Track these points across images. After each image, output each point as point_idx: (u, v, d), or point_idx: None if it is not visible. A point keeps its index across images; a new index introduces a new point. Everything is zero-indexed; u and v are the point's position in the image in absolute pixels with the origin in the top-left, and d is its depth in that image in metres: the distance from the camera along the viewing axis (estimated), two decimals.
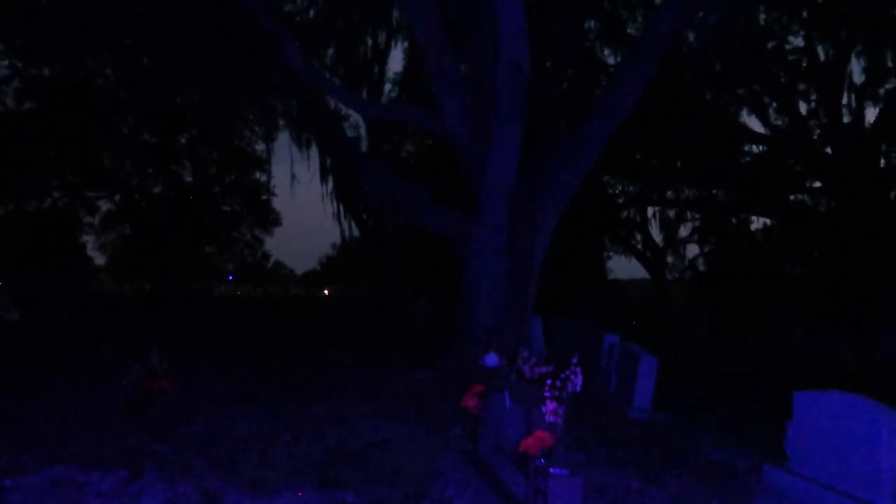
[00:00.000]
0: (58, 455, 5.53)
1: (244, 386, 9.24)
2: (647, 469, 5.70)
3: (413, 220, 11.89)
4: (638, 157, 23.11)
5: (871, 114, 40.75)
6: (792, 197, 22.92)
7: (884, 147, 19.42)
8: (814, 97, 20.15)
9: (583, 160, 10.75)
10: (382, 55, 20.46)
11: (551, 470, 4.05)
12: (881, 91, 19.04)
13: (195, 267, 43.22)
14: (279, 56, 10.79)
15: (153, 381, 7.35)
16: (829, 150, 20.06)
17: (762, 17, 17.73)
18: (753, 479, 5.54)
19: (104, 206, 33.99)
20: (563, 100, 14.13)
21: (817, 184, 21.50)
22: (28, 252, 33.23)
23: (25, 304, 19.83)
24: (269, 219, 38.61)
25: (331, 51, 15.65)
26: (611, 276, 35.36)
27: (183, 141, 31.84)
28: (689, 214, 28.13)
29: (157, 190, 32.76)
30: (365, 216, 25.35)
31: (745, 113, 21.39)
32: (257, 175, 34.68)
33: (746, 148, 22.30)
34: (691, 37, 14.17)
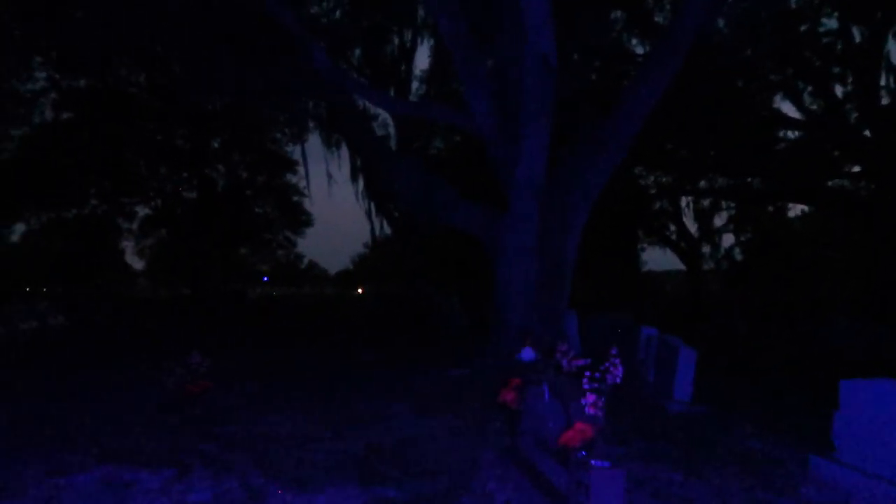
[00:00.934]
0: (106, 455, 5.70)
1: (281, 386, 9.38)
2: (689, 461, 5.64)
3: (442, 217, 11.91)
4: (669, 146, 22.78)
5: None
6: (830, 183, 22.39)
7: None
8: (850, 80, 19.64)
9: (612, 154, 10.63)
10: (409, 54, 20.52)
11: (593, 462, 4.04)
12: None
13: (230, 269, 43.91)
14: (307, 60, 10.90)
15: (195, 381, 7.50)
16: (867, 133, 19.55)
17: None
18: (798, 470, 5.45)
19: (141, 211, 34.78)
20: (591, 93, 14.01)
21: (856, 168, 20.98)
22: (69, 258, 34.13)
23: (69, 309, 20.38)
24: (301, 220, 39.07)
25: (357, 51, 15.80)
26: (645, 268, 34.98)
27: (215, 145, 32.35)
28: (723, 203, 27.68)
29: (191, 195, 33.35)
30: (396, 214, 25.48)
31: (778, 98, 20.96)
32: (288, 177, 35.14)
33: (781, 134, 21.82)
34: (721, 23, 13.92)
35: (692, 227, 29.28)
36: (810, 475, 5.26)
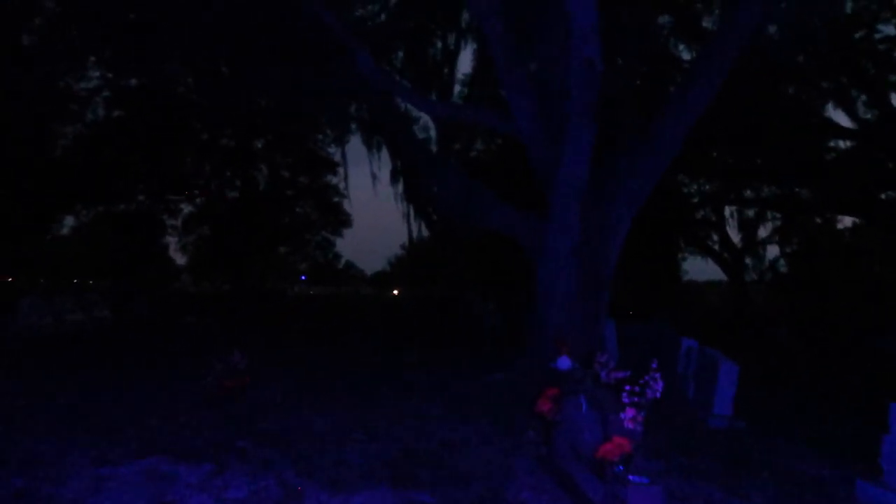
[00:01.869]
0: (148, 448, 5.83)
1: (317, 384, 9.47)
2: (729, 479, 5.50)
3: (482, 221, 11.85)
4: (714, 154, 22.31)
5: None
6: (883, 195, 21.66)
7: None
8: None
9: (657, 161, 10.43)
10: (452, 57, 20.48)
11: (630, 477, 3.97)
12: None
13: (270, 267, 44.58)
14: (351, 63, 10.99)
15: (234, 378, 7.63)
16: None
17: (849, 4, 16.81)
18: (843, 492, 5.27)
19: (185, 208, 35.54)
20: (636, 98, 13.80)
21: None
22: (116, 252, 35.10)
23: (115, 303, 20.94)
24: (340, 220, 39.46)
25: (400, 53, 15.86)
26: (686, 278, 34.32)
27: (259, 146, 32.88)
28: (769, 214, 26.97)
29: (234, 194, 33.96)
30: (434, 217, 25.49)
31: (830, 107, 20.34)
32: (328, 178, 35.52)
33: (832, 143, 21.20)
34: (772, 28, 13.57)
35: (736, 237, 28.62)
36: (856, 498, 5.09)
